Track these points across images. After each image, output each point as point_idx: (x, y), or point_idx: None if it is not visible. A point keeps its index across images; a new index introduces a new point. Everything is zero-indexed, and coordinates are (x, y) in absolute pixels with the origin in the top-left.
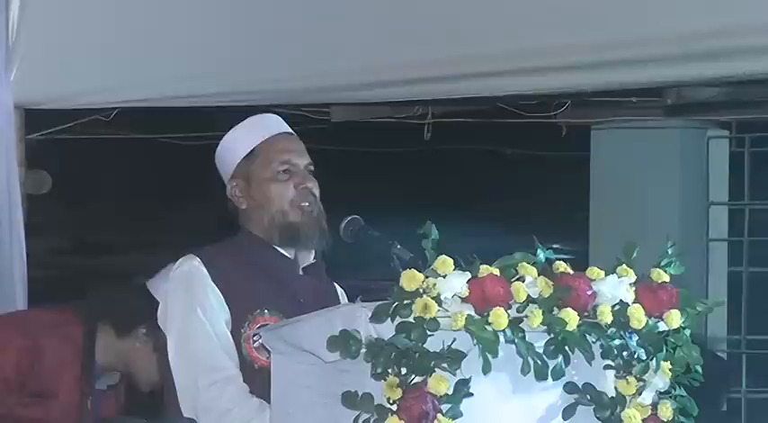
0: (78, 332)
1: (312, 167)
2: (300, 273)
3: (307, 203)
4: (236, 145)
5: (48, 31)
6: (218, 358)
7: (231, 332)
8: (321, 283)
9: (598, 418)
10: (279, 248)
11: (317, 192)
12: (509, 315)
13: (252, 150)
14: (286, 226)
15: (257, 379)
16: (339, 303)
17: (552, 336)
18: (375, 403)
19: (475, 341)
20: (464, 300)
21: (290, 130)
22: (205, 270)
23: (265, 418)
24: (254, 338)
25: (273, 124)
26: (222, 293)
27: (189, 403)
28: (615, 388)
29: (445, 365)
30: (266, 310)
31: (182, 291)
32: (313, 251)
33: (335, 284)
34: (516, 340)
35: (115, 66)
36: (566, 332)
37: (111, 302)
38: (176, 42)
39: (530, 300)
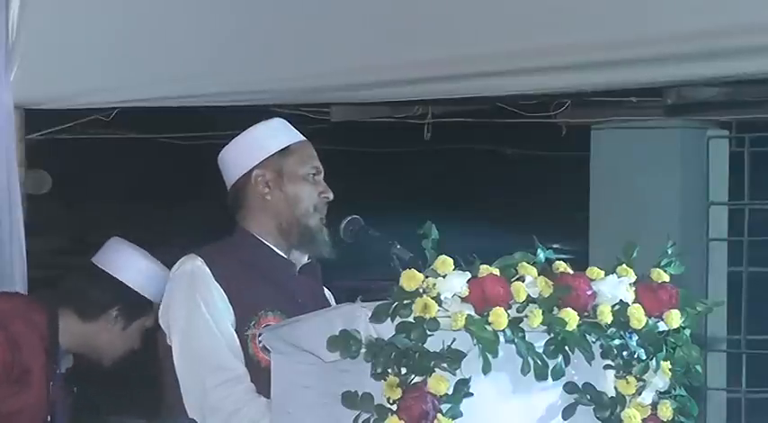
0: (42, 319)
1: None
2: (296, 273)
3: (324, 214)
4: (269, 138)
5: (48, 31)
6: (224, 357)
7: (236, 331)
8: (317, 283)
9: (598, 418)
10: (275, 248)
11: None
12: (509, 315)
13: (287, 147)
14: (305, 228)
15: (262, 378)
16: (329, 304)
17: (552, 336)
18: (375, 403)
19: (475, 341)
20: (464, 300)
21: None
22: (208, 269)
23: None
24: (260, 338)
25: (297, 132)
26: (225, 293)
27: (195, 403)
28: (615, 388)
29: (445, 365)
30: (270, 311)
31: (184, 290)
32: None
33: (323, 287)
34: (516, 340)
35: (115, 66)
36: (566, 332)
37: (73, 288)
38: (176, 42)
39: (530, 300)
